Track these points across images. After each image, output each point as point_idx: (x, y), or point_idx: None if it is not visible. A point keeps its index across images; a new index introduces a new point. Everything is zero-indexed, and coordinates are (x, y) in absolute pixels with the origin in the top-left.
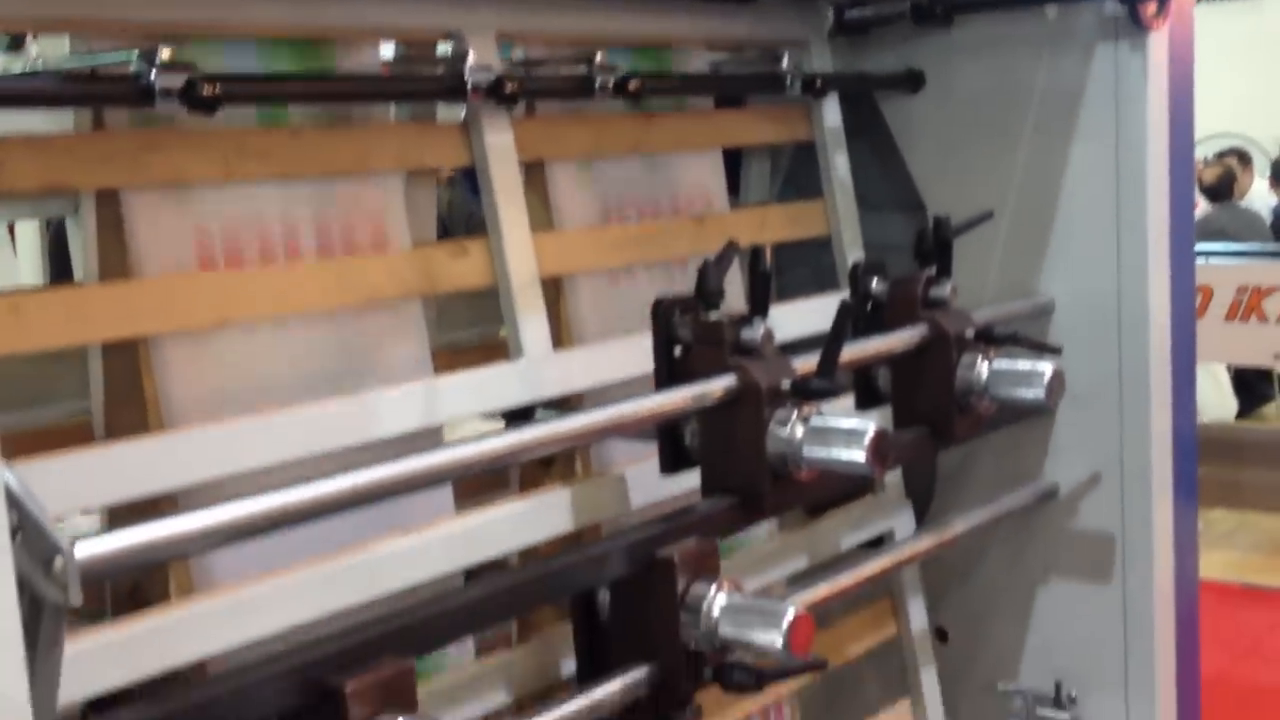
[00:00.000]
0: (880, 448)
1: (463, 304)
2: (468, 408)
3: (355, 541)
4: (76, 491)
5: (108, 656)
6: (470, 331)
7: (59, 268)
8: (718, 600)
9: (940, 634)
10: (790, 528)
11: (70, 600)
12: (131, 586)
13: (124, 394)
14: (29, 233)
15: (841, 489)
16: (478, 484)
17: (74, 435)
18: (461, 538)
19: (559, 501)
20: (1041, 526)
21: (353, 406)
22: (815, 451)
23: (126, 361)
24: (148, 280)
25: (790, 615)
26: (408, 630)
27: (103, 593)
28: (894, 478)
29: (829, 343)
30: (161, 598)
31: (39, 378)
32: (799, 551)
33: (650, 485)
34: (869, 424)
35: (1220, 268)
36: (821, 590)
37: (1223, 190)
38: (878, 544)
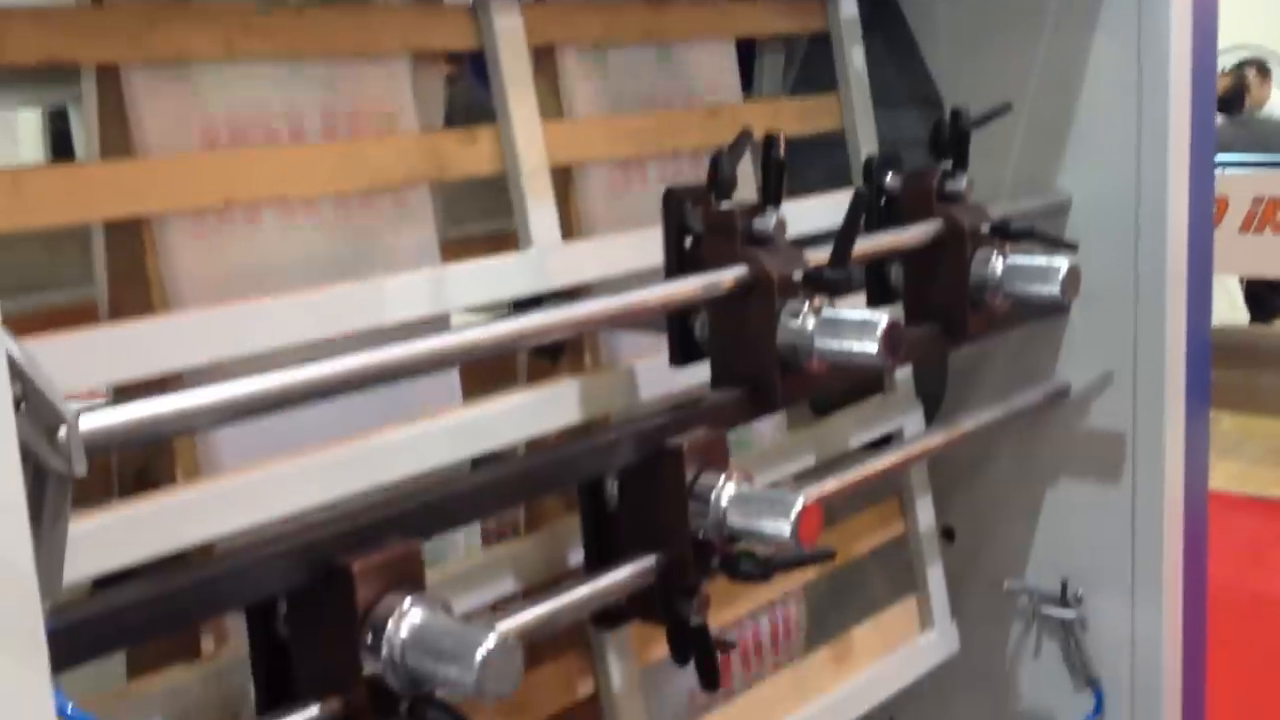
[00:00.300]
0: (893, 339)
1: (470, 200)
2: (475, 297)
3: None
4: (80, 370)
5: (114, 536)
6: (478, 225)
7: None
8: (726, 490)
9: (947, 533)
10: (798, 426)
11: (75, 469)
12: (138, 471)
13: (128, 274)
14: (31, 127)
15: (853, 382)
16: (486, 382)
17: (79, 317)
18: (469, 427)
19: (567, 393)
20: (1052, 426)
21: (359, 292)
22: (827, 343)
23: (130, 241)
24: (148, 159)
25: (799, 505)
26: (415, 512)
27: (109, 478)
28: (904, 377)
29: (842, 233)
30: (168, 482)
31: (45, 263)
32: (807, 449)
33: (659, 378)
34: (882, 315)
35: (1237, 178)
36: (830, 485)
37: (1233, 102)
38: (886, 444)
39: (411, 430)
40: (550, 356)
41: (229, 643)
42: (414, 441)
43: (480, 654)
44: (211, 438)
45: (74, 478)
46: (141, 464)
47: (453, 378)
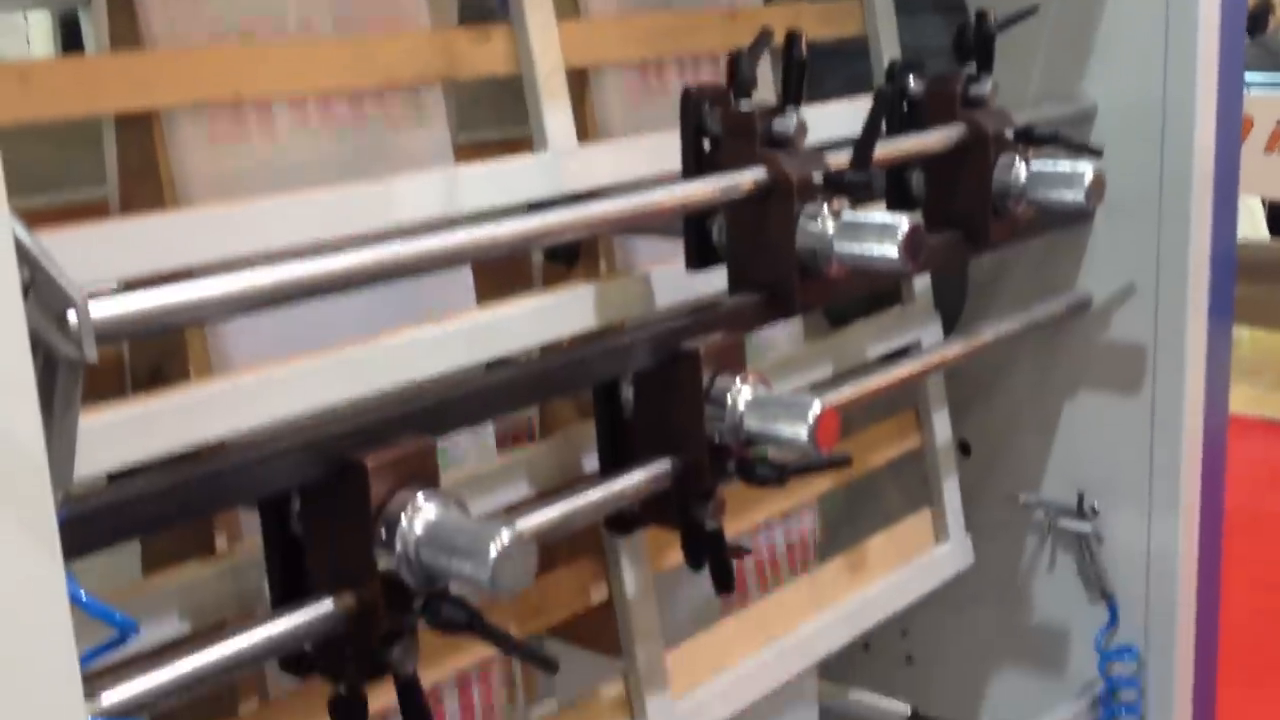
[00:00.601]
0: (914, 242)
1: (483, 106)
2: (489, 199)
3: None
4: (89, 265)
5: (127, 432)
6: (492, 131)
7: None
8: (743, 393)
9: (963, 447)
10: (815, 338)
11: (85, 355)
12: (151, 370)
13: (139, 173)
14: (42, 31)
15: (872, 289)
16: (500, 289)
17: (91, 214)
18: (483, 330)
19: (582, 298)
20: (1072, 338)
21: (370, 191)
22: (847, 246)
23: (141, 139)
24: (157, 51)
25: (817, 408)
26: (429, 410)
27: (122, 376)
28: (923, 288)
29: (864, 133)
30: (181, 381)
31: (56, 163)
32: (823, 359)
33: (676, 285)
34: (903, 218)
35: (1262, 99)
36: (846, 393)
37: (1258, 22)
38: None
39: (425, 332)
40: (565, 262)
41: (243, 541)
42: (427, 343)
43: (494, 549)
44: (225, 339)
45: (85, 366)
46: (155, 363)
47: (466, 280)
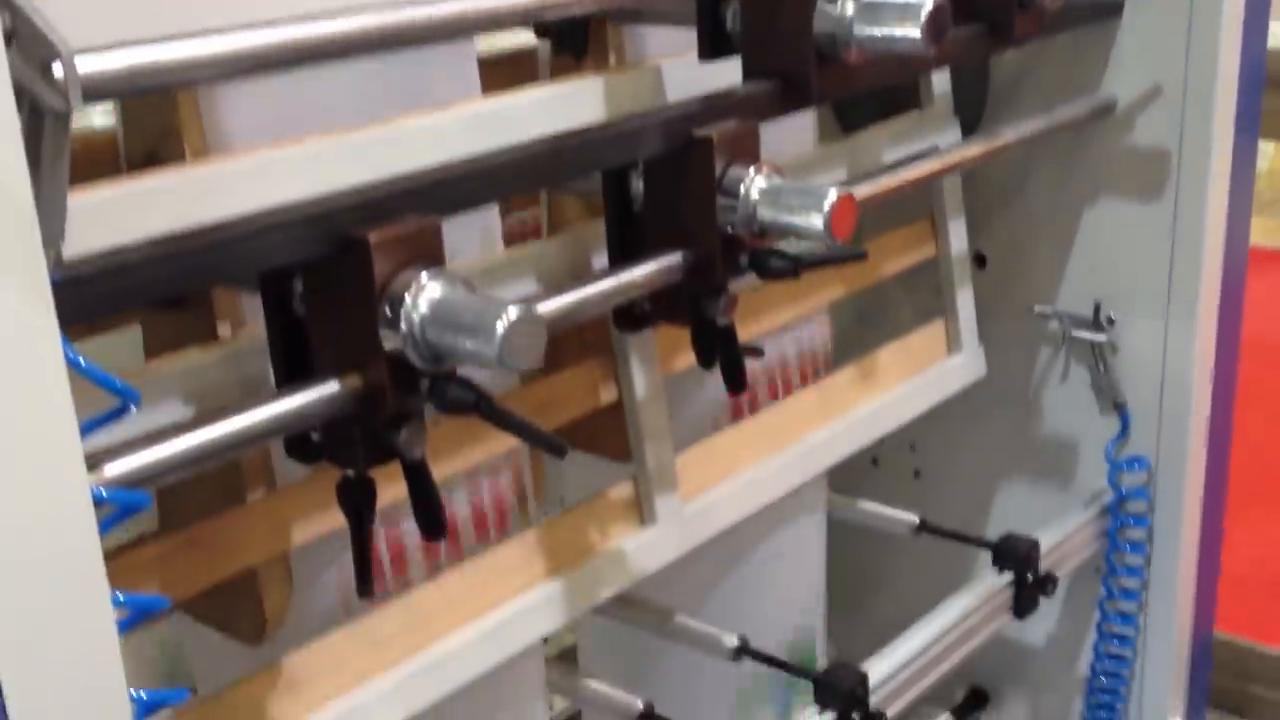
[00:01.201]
0: (937, 23)
1: None
2: None
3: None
4: (72, 35)
5: (121, 209)
6: None
7: None
8: (757, 182)
9: (979, 260)
10: (829, 141)
11: (71, 104)
12: (146, 155)
13: None
14: None
15: (893, 78)
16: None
17: None
18: (488, 119)
19: (591, 89)
20: (1094, 143)
21: None
22: (866, 30)
23: None
24: None
25: (833, 197)
26: (432, 189)
27: (117, 162)
28: (942, 92)
29: None
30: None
31: None
32: (837, 163)
33: (688, 78)
34: None
35: None
36: (862, 190)
37: None
38: None
39: (429, 120)
40: (573, 53)
41: (246, 327)
42: (431, 131)
43: (502, 324)
44: (221, 123)
45: (71, 114)
46: (150, 147)
47: (471, 71)
